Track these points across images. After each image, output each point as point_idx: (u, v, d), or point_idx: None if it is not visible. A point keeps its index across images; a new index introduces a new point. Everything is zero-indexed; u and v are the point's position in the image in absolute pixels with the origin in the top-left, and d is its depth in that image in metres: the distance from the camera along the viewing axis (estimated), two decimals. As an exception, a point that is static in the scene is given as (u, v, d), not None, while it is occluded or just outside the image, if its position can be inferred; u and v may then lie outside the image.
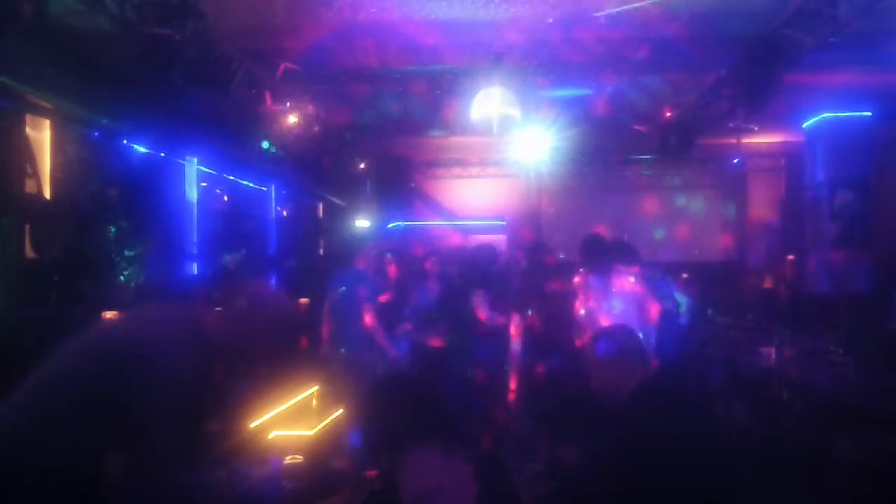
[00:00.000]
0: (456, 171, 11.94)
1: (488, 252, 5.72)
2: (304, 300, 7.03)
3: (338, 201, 10.57)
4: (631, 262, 4.59)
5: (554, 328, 4.75)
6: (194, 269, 6.76)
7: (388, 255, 6.77)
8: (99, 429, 2.01)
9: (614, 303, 4.50)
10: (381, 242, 7.68)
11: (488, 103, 6.07)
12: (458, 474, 2.14)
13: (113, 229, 5.43)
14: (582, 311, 4.72)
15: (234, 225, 7.83)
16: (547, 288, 4.96)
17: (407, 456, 2.19)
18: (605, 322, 4.30)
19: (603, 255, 4.68)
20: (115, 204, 5.47)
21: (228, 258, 7.26)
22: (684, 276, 7.85)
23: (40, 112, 4.91)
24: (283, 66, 6.00)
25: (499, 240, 11.41)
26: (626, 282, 4.52)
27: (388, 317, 5.87)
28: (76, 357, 2.14)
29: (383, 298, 6.15)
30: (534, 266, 5.49)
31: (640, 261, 4.68)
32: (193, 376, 2.14)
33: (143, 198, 5.81)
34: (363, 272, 5.79)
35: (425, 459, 2.17)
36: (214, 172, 7.43)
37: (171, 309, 2.43)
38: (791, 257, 10.27)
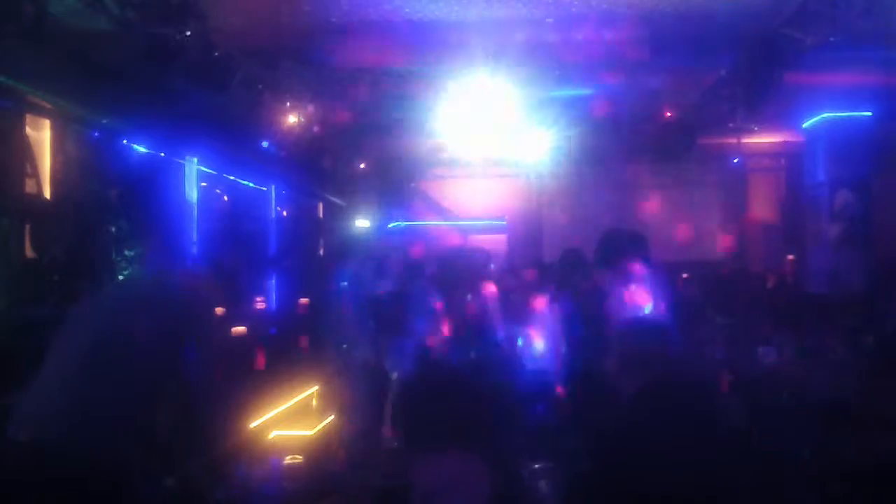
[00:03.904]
0: (456, 171, 11.92)
1: (482, 257, 5.72)
2: (304, 300, 7.04)
3: (338, 201, 10.57)
4: (646, 259, 4.58)
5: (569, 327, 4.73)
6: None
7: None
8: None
9: (629, 300, 4.48)
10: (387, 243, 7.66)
11: (487, 103, 6.07)
12: (470, 473, 2.14)
13: (113, 229, 5.42)
14: (602, 308, 4.69)
15: (234, 225, 7.82)
16: (563, 289, 4.94)
17: (420, 455, 2.19)
18: (624, 317, 4.27)
19: (621, 251, 4.66)
20: (115, 204, 5.47)
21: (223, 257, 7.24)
22: (684, 276, 7.84)
23: (40, 112, 4.91)
24: (283, 66, 6.00)
25: (499, 240, 11.45)
26: (641, 278, 4.50)
27: (390, 318, 5.85)
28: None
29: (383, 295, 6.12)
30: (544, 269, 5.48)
31: (650, 257, 4.68)
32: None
33: (143, 198, 5.80)
34: (363, 271, 5.77)
35: (438, 458, 2.16)
36: (214, 172, 7.42)
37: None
38: (791, 257, 10.27)
